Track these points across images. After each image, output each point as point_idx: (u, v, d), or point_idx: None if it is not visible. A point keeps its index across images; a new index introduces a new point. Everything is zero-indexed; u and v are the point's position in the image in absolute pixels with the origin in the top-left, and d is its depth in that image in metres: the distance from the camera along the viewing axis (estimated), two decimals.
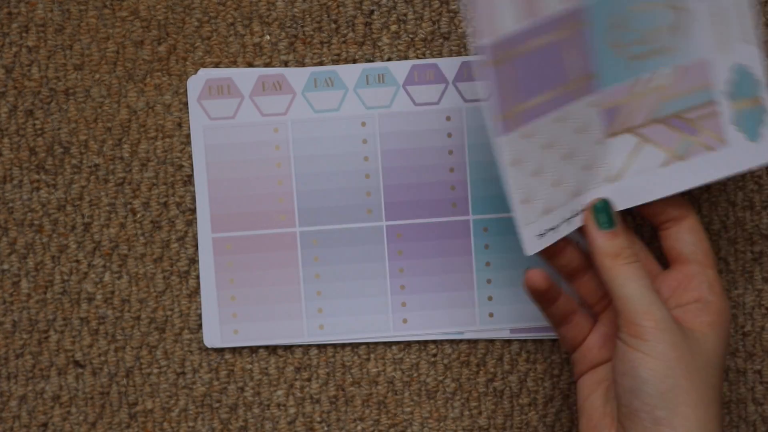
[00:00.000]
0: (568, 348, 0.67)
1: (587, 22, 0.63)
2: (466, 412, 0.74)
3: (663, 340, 0.60)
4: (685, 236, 0.66)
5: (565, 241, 0.65)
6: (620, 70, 0.64)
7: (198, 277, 0.74)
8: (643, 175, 0.65)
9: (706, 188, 0.74)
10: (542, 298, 0.65)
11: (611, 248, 0.63)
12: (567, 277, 0.67)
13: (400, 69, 0.73)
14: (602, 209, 0.64)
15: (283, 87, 0.73)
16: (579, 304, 0.67)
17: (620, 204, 0.65)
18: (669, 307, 0.63)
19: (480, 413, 0.74)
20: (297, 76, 0.73)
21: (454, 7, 0.73)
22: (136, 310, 0.74)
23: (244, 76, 0.73)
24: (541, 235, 0.64)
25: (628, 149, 0.65)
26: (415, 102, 0.73)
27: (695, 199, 0.73)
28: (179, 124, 0.74)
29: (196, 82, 0.73)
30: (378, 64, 0.73)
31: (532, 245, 0.64)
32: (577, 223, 0.65)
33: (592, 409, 0.65)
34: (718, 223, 0.74)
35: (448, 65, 0.73)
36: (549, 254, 0.66)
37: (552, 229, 0.64)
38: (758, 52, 0.65)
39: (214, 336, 0.74)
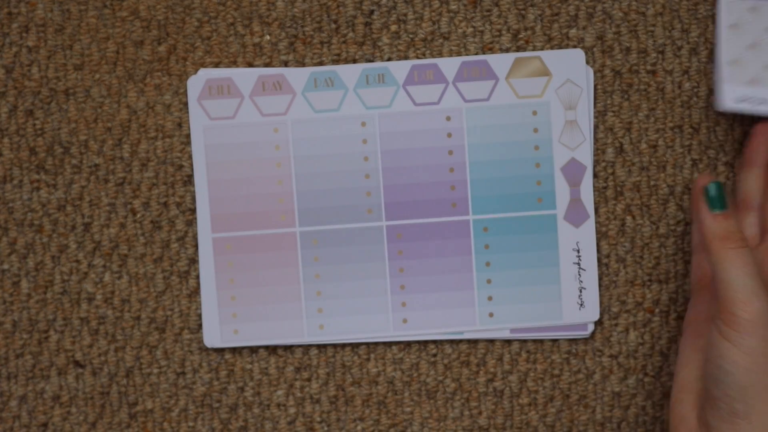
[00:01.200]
0: (691, 284, 0.66)
1: None
2: (466, 412, 0.74)
3: (756, 334, 0.59)
4: None
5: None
6: None
7: (198, 277, 0.74)
8: None
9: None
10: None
11: (720, 230, 0.61)
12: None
13: (400, 69, 0.73)
14: (715, 191, 0.63)
15: (283, 87, 0.73)
16: None
17: None
18: None
19: (480, 413, 0.74)
20: (297, 76, 0.73)
21: (454, 7, 0.73)
22: (136, 310, 0.74)
23: (244, 76, 0.73)
24: (739, 100, 0.63)
25: None
26: (415, 102, 0.73)
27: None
28: (179, 124, 0.74)
29: (196, 82, 0.73)
30: (378, 64, 0.73)
31: (726, 102, 0.63)
32: None
33: (684, 380, 0.64)
34: None
35: (448, 65, 0.73)
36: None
37: (749, 101, 0.63)
38: None
39: (214, 336, 0.74)
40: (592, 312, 0.73)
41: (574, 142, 0.73)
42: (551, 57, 0.73)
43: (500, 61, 0.73)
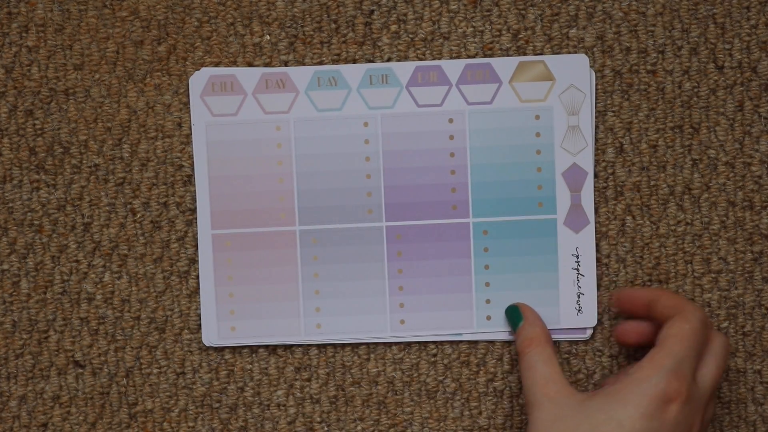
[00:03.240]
0: None
1: None
2: (466, 412, 0.74)
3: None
4: None
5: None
6: None
7: (198, 277, 0.74)
8: None
9: (706, 187, 0.74)
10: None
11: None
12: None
13: (403, 70, 0.73)
14: (509, 313, 0.73)
15: (286, 85, 0.73)
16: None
17: None
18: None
19: (480, 413, 0.74)
20: (300, 74, 0.73)
21: (454, 7, 0.73)
22: (136, 310, 0.74)
23: (248, 74, 0.73)
24: None
25: None
26: (418, 103, 0.73)
27: (695, 199, 0.74)
28: (179, 124, 0.73)
29: (200, 78, 0.73)
30: (382, 65, 0.73)
31: None
32: None
33: None
34: (718, 223, 0.74)
35: (452, 67, 0.72)
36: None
37: None
38: None
39: (211, 333, 0.74)
40: (589, 318, 0.73)
41: (576, 147, 0.73)
42: (555, 62, 0.72)
43: (504, 65, 0.72)
